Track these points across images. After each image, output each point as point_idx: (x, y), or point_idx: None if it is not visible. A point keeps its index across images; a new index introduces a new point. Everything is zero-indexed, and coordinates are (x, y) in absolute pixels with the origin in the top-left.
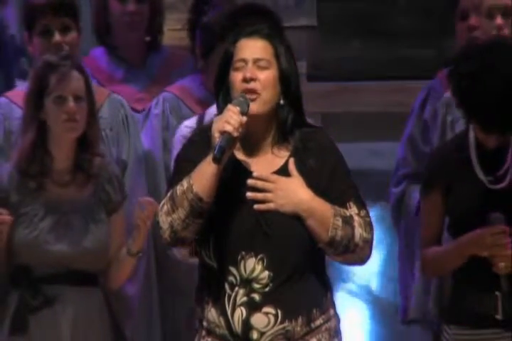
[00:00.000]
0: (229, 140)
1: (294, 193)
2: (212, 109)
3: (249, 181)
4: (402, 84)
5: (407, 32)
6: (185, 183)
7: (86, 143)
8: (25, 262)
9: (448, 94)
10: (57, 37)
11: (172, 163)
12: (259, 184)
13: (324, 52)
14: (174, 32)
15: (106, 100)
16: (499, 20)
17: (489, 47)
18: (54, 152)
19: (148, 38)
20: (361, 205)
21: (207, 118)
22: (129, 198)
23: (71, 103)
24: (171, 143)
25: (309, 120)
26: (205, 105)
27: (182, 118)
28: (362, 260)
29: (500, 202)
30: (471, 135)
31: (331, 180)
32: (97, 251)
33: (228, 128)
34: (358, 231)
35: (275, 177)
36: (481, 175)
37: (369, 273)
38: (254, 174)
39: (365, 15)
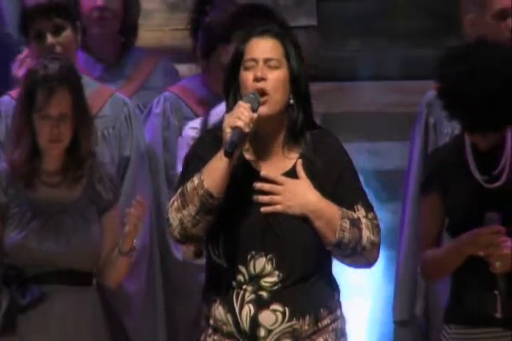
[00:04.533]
0: (240, 135)
1: (301, 195)
2: (217, 110)
3: (257, 184)
4: (402, 84)
5: (407, 32)
6: (195, 179)
7: (76, 147)
8: (15, 262)
9: (430, 93)
10: (49, 39)
11: (178, 162)
12: (267, 187)
13: (324, 52)
14: (176, 32)
15: (109, 99)
16: None
17: (469, 50)
18: (44, 154)
19: (123, 39)
20: (369, 208)
21: (211, 119)
22: (131, 194)
23: (55, 124)
24: (172, 143)
25: None
26: (206, 105)
27: (183, 117)
28: (369, 262)
29: (497, 201)
30: (467, 136)
31: (339, 183)
32: (88, 250)
33: (239, 123)
34: (366, 234)
35: (283, 178)
36: (476, 175)
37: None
38: (262, 173)
39: (365, 15)
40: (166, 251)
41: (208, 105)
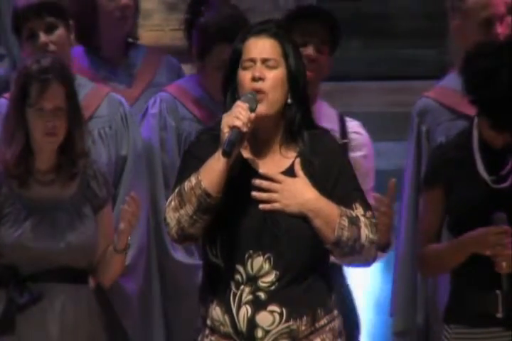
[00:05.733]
0: (238, 135)
1: (299, 193)
2: None
3: (256, 181)
4: (402, 84)
5: (407, 32)
6: (193, 179)
7: (70, 144)
8: (11, 261)
9: (421, 102)
10: (42, 38)
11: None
12: (265, 184)
13: None
14: (175, 32)
15: (104, 99)
16: None
17: (506, 45)
18: (37, 152)
19: (129, 37)
20: (367, 207)
21: None
22: (128, 193)
23: (50, 118)
24: (169, 143)
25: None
26: (202, 105)
27: (179, 118)
28: (368, 261)
29: (503, 201)
30: (475, 133)
31: (336, 182)
32: (84, 248)
33: (237, 123)
34: (364, 232)
35: (281, 177)
36: (484, 175)
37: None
38: (261, 172)
39: (365, 15)
40: (164, 250)
41: (203, 105)
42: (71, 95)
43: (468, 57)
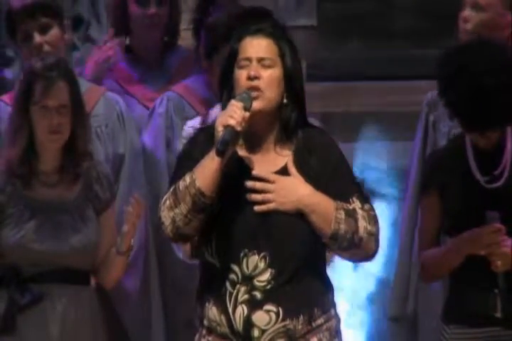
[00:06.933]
0: (232, 134)
1: (294, 190)
2: (216, 109)
3: (248, 183)
4: (402, 84)
5: (407, 32)
6: (187, 178)
7: (73, 145)
8: (13, 262)
9: (431, 93)
10: (37, 38)
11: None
12: (258, 185)
13: (324, 52)
14: (181, 32)
15: (101, 98)
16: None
17: (465, 48)
18: (41, 153)
19: (165, 39)
20: (365, 200)
21: (210, 118)
22: (127, 191)
23: (55, 115)
24: (175, 142)
25: (314, 121)
26: (208, 105)
27: (186, 117)
28: (368, 255)
29: (497, 201)
30: (467, 135)
31: (333, 178)
32: (86, 249)
33: (231, 122)
34: (362, 225)
35: (274, 176)
36: (477, 175)
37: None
38: (254, 173)
39: (365, 15)
40: (168, 250)
41: (210, 105)
42: (75, 93)
43: (437, 62)
